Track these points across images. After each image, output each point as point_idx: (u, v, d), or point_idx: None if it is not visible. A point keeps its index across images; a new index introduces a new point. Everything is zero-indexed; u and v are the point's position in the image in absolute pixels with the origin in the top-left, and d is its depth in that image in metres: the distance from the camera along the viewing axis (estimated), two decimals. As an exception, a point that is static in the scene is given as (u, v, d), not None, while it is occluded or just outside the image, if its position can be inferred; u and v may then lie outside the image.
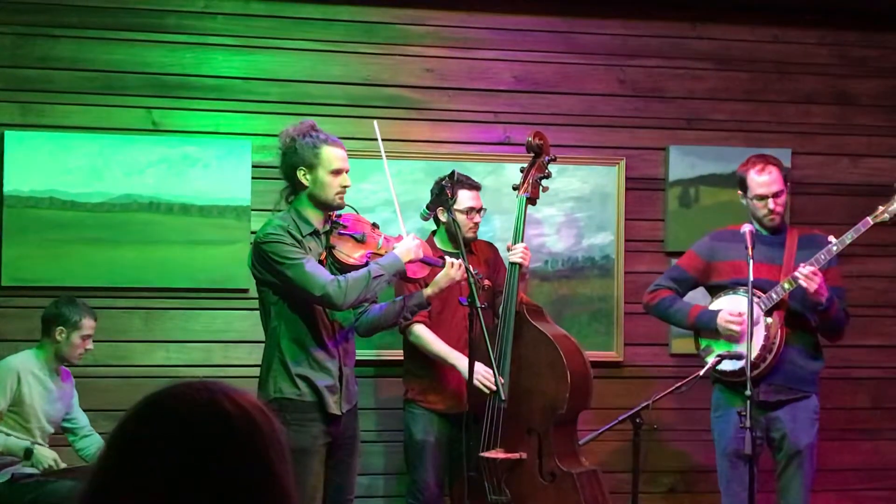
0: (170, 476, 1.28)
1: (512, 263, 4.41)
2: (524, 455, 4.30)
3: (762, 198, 4.33)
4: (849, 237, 4.23)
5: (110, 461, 1.32)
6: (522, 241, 4.44)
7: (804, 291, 4.17)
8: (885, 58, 5.66)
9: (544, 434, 4.28)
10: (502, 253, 4.75)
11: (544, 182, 4.48)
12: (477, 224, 4.67)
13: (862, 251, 5.27)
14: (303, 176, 3.84)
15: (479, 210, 4.66)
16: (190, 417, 1.31)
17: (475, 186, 4.67)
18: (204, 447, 1.30)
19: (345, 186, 3.87)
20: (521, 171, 4.49)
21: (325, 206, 3.89)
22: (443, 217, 4.59)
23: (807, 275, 4.14)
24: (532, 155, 4.48)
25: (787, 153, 5.42)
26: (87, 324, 4.55)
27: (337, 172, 3.85)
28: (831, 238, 4.25)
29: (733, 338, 4.28)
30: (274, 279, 3.81)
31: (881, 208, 4.28)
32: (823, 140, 5.59)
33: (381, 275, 3.83)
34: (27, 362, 4.53)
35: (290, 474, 1.35)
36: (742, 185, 4.40)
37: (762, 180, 4.33)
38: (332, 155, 3.85)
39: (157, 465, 1.28)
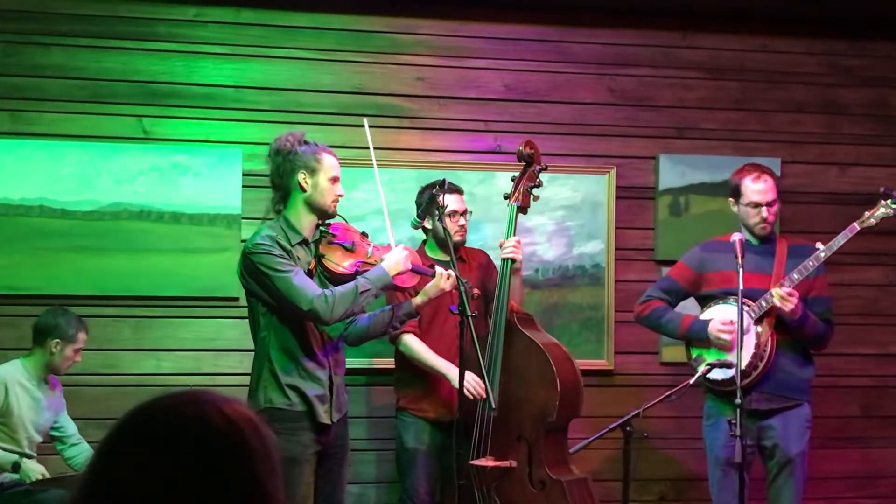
0: (156, 489, 1.27)
1: (503, 259, 4.40)
2: (514, 463, 4.29)
3: (756, 205, 4.35)
4: (836, 243, 4.26)
5: (98, 472, 1.32)
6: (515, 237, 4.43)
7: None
8: (873, 67, 5.68)
9: (534, 442, 4.28)
10: (495, 260, 4.75)
11: (535, 191, 4.48)
12: (463, 227, 4.66)
13: (851, 260, 5.29)
14: (303, 180, 3.84)
15: (462, 213, 4.65)
16: (177, 431, 1.31)
17: (456, 190, 4.67)
18: (191, 461, 1.29)
19: (339, 195, 3.91)
20: (512, 180, 4.50)
21: (321, 213, 3.90)
22: (428, 225, 4.59)
23: (784, 296, 4.16)
24: (523, 164, 4.48)
25: (776, 162, 5.44)
26: (82, 337, 4.55)
27: (335, 180, 3.89)
28: (819, 245, 4.28)
29: (724, 347, 4.28)
30: (261, 289, 3.81)
31: (867, 213, 4.31)
32: (813, 149, 5.61)
33: (369, 289, 3.83)
34: (14, 372, 4.51)
35: (280, 487, 1.35)
36: (735, 192, 4.41)
37: (758, 188, 4.35)
38: (331, 162, 3.90)
39: (143, 477, 1.28)
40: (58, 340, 4.50)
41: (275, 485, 1.34)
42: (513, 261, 4.40)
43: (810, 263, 4.24)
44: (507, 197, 4.49)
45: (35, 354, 4.55)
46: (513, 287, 4.42)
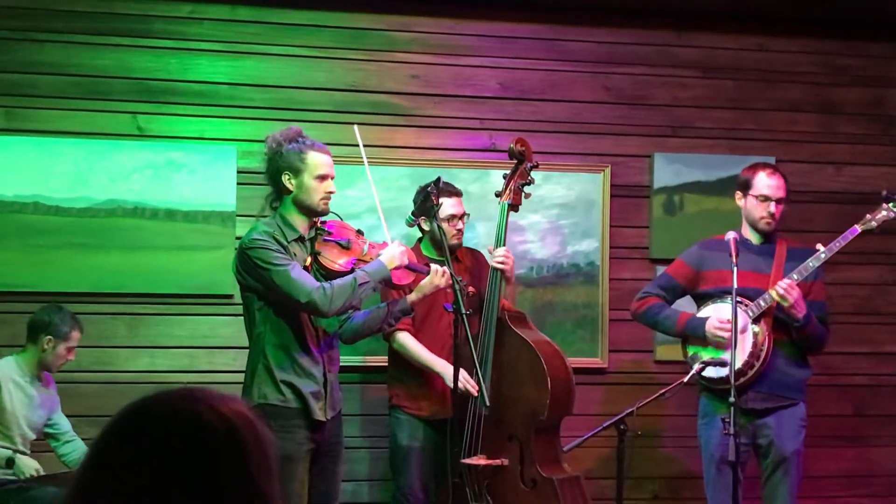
0: (149, 488, 1.27)
1: (493, 269, 4.41)
2: (506, 461, 4.29)
3: (766, 199, 4.36)
4: (836, 245, 4.26)
5: (92, 470, 1.31)
6: (504, 247, 4.44)
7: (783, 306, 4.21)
8: (868, 67, 5.69)
9: (526, 440, 4.28)
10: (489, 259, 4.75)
11: (527, 189, 4.48)
12: (460, 230, 4.67)
13: (846, 259, 5.28)
14: (287, 181, 3.84)
15: (460, 216, 4.66)
16: (171, 428, 1.30)
17: (456, 193, 4.67)
18: (183, 460, 1.29)
19: (329, 192, 3.89)
20: (504, 178, 4.50)
21: (310, 212, 3.89)
22: (425, 226, 4.59)
23: (785, 289, 4.17)
24: (514, 161, 4.48)
25: (771, 161, 5.43)
26: (75, 336, 4.54)
27: (322, 178, 3.86)
28: (819, 246, 4.28)
29: (721, 345, 4.28)
30: (259, 285, 3.80)
31: (868, 216, 4.31)
32: (807, 148, 5.61)
33: (367, 282, 3.84)
34: (8, 369, 4.50)
35: (275, 485, 1.34)
36: (745, 185, 4.41)
37: (771, 182, 4.36)
38: (317, 160, 3.86)
39: (136, 476, 1.27)
40: (50, 337, 4.49)
41: (270, 483, 1.33)
42: (502, 272, 4.40)
43: (810, 264, 4.25)
44: (498, 195, 4.49)
45: (28, 351, 4.55)
46: (504, 292, 4.43)
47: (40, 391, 4.58)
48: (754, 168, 4.44)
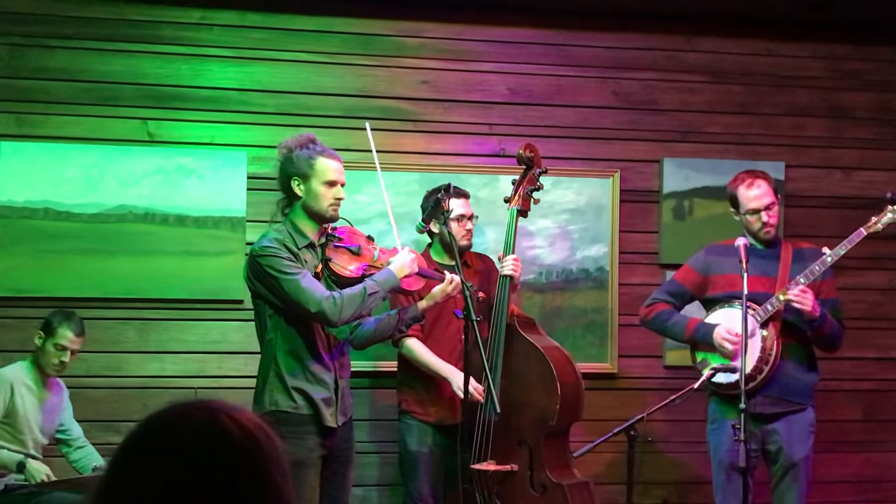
0: (173, 496, 1.28)
1: (503, 276, 4.42)
2: (515, 467, 4.30)
3: (755, 212, 4.36)
4: (842, 248, 4.26)
5: (114, 479, 1.32)
6: (513, 253, 4.45)
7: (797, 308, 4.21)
8: (877, 71, 5.69)
9: (535, 446, 4.29)
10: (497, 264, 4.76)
11: (535, 194, 4.49)
12: (469, 231, 4.67)
13: (855, 264, 5.29)
14: (296, 186, 3.85)
15: (469, 217, 4.66)
16: (193, 438, 1.32)
17: (463, 194, 4.68)
18: (207, 467, 1.30)
19: (338, 199, 3.87)
20: (513, 184, 4.50)
21: (319, 218, 3.89)
22: (435, 229, 4.60)
23: (798, 294, 4.17)
24: (523, 167, 4.49)
25: (780, 166, 5.45)
26: (64, 334, 4.44)
27: (331, 184, 3.85)
28: (825, 249, 4.28)
29: (728, 355, 4.30)
30: (269, 292, 3.81)
31: (874, 219, 4.31)
32: (817, 153, 5.61)
33: (377, 291, 3.84)
34: (19, 373, 4.50)
35: (292, 490, 1.36)
36: (734, 202, 4.43)
37: (753, 194, 4.36)
38: (326, 166, 3.86)
39: (160, 484, 1.29)
40: (41, 332, 4.46)
41: (288, 489, 1.36)
42: (511, 277, 4.41)
43: (816, 268, 4.25)
44: (507, 201, 4.50)
45: (34, 353, 4.52)
46: (511, 300, 4.44)
47: (51, 396, 4.58)
48: (734, 183, 4.44)
